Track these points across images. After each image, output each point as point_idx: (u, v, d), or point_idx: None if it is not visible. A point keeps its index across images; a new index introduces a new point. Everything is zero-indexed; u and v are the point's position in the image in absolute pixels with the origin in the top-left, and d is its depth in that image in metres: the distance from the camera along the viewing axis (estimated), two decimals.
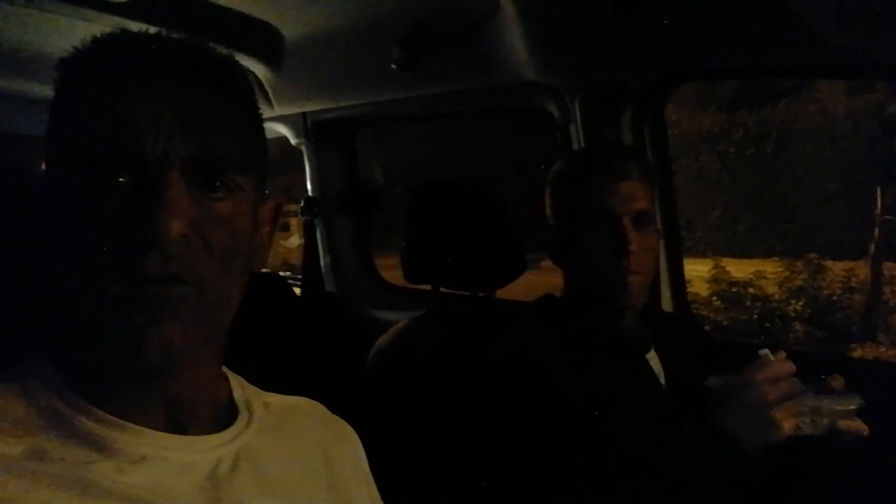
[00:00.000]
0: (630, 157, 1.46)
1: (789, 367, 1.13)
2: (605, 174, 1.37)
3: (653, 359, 1.41)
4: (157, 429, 0.67)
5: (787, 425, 1.10)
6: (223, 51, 0.72)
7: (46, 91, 0.69)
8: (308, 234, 2.59)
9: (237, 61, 0.73)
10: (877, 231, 7.44)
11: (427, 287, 1.79)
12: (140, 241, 0.61)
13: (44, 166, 0.69)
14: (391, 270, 2.29)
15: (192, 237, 0.64)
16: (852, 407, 1.13)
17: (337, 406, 0.92)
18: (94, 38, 0.67)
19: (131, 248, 0.61)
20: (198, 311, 0.65)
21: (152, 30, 0.70)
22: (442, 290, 1.78)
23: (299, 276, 2.56)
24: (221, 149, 0.67)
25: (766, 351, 1.15)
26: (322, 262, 2.57)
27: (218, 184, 0.67)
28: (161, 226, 0.61)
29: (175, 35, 0.69)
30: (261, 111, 0.76)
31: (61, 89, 0.68)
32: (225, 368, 0.80)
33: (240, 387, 0.81)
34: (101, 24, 1.55)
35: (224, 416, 0.76)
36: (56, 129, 0.68)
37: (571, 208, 1.41)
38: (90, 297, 0.63)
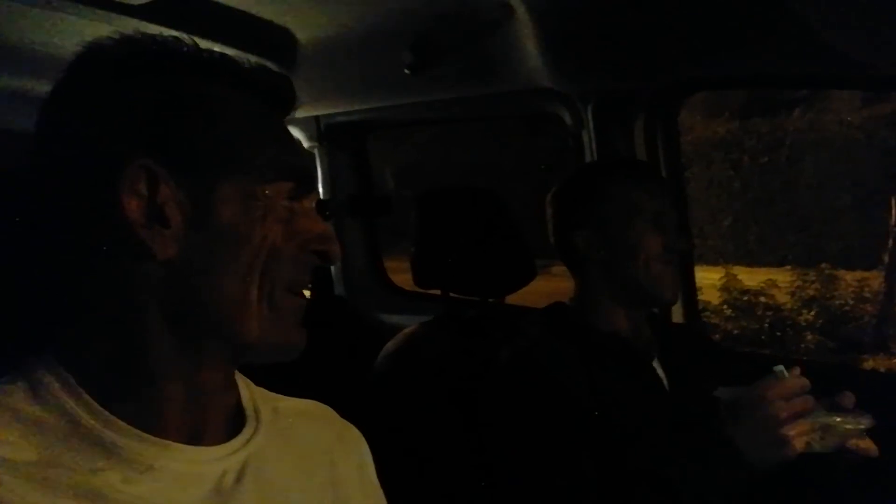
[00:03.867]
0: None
1: (803, 383, 1.11)
2: (647, 178, 1.46)
3: (656, 367, 1.40)
4: (168, 434, 0.67)
5: (799, 443, 1.08)
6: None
7: None
8: None
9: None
10: (891, 241, 7.39)
11: (437, 292, 1.79)
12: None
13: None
14: (401, 274, 2.28)
15: None
16: (863, 426, 1.11)
17: (345, 410, 0.92)
18: (107, 38, 0.68)
19: None
20: None
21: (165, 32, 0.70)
22: (451, 295, 1.77)
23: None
24: None
25: (781, 367, 1.13)
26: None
27: None
28: None
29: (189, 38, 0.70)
30: None
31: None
32: None
33: (248, 390, 0.80)
34: (115, 26, 1.55)
35: (233, 422, 0.76)
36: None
37: (617, 211, 1.40)
38: None
